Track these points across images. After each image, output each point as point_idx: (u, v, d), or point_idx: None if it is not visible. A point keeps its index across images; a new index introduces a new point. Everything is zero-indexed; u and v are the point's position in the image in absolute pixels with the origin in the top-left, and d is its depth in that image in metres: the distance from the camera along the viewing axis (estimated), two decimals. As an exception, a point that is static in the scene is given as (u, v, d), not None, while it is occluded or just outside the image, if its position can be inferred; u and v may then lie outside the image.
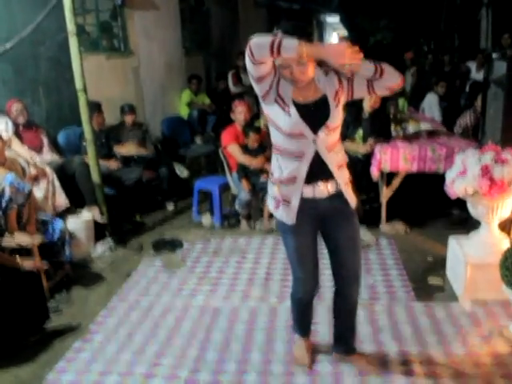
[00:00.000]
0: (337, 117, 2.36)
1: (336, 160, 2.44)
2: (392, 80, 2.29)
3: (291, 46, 2.04)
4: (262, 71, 2.19)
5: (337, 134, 2.44)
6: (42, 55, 5.41)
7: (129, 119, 5.94)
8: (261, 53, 2.08)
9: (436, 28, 15.72)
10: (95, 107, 5.26)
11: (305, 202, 2.45)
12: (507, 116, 3.98)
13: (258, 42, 2.07)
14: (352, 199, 2.53)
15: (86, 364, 3.04)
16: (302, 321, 2.91)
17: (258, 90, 2.30)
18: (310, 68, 2.25)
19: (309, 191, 2.44)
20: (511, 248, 3.06)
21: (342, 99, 2.36)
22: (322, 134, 2.33)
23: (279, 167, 2.45)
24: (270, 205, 2.59)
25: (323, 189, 2.44)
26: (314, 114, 2.33)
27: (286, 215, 2.48)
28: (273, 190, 2.52)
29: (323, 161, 2.40)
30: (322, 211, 2.50)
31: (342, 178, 2.48)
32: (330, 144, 2.39)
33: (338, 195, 2.48)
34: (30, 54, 5.27)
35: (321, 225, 2.58)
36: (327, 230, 2.60)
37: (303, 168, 2.39)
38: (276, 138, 2.42)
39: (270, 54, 2.06)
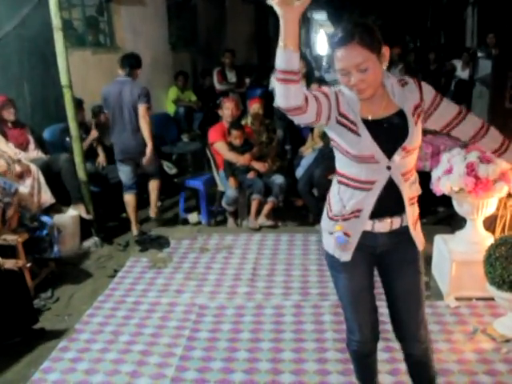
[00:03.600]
0: (416, 136, 1.94)
1: (410, 192, 2.02)
2: (488, 146, 2.12)
3: (279, 55, 1.67)
4: (311, 107, 1.80)
5: (414, 158, 2.00)
6: (27, 50, 5.35)
7: (103, 118, 5.86)
8: (284, 93, 1.72)
9: (422, 26, 15.83)
10: (76, 104, 5.22)
11: (363, 235, 2.04)
12: (492, 115, 4.02)
13: (278, 94, 1.74)
14: (420, 241, 2.10)
15: (72, 363, 3.01)
16: (363, 377, 2.40)
17: (322, 121, 1.91)
18: (374, 75, 1.85)
19: (368, 224, 2.02)
20: (495, 244, 3.09)
21: (421, 117, 1.97)
22: (397, 157, 1.91)
23: (340, 200, 2.03)
24: (325, 242, 2.15)
25: (385, 224, 2.03)
26: (388, 134, 1.92)
27: (341, 250, 2.06)
28: (330, 227, 2.09)
29: (397, 191, 1.97)
30: (379, 248, 2.09)
31: (411, 216, 2.04)
32: (407, 170, 1.98)
33: (402, 232, 2.05)
34: (15, 48, 5.20)
35: (378, 267, 2.18)
36: (384, 276, 2.18)
37: (371, 200, 1.97)
38: (341, 164, 2.02)
39: (285, 78, 1.68)
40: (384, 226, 2.02)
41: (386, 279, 2.16)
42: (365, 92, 1.87)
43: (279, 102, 1.77)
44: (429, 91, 1.95)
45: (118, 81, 4.78)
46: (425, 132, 5.20)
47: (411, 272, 2.11)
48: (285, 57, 1.67)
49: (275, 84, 1.75)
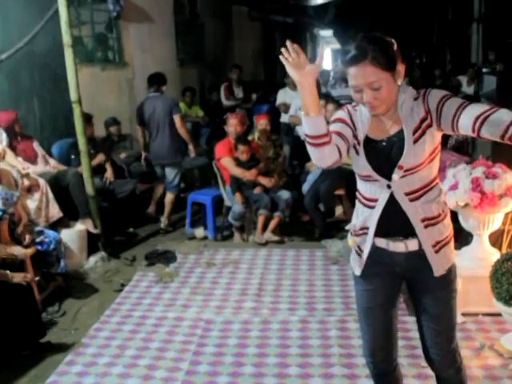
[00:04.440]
0: (416, 155, 1.83)
1: (423, 212, 1.89)
2: (493, 132, 1.66)
3: (304, 123, 1.75)
4: (343, 151, 1.85)
5: (423, 177, 1.87)
6: (37, 66, 5.43)
7: (114, 130, 6.01)
8: (319, 156, 1.79)
9: (428, 42, 15.92)
10: (85, 119, 5.30)
11: (377, 252, 1.98)
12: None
13: (313, 157, 1.80)
14: (439, 266, 1.93)
15: (78, 377, 3.01)
16: None
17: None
18: (388, 93, 1.80)
19: (382, 241, 1.96)
20: (501, 260, 3.09)
21: (431, 132, 1.83)
22: (396, 176, 1.85)
23: (356, 215, 2.04)
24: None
25: (399, 244, 1.94)
26: (385, 152, 1.88)
27: (355, 263, 2.05)
28: (349, 240, 2.11)
29: (401, 211, 1.89)
30: (398, 267, 1.99)
31: (430, 238, 1.90)
32: (413, 190, 1.87)
33: (422, 255, 1.92)
34: (26, 64, 5.28)
35: (407, 287, 2.08)
36: (411, 298, 2.10)
37: (374, 218, 1.93)
38: (357, 180, 2.04)
39: (316, 142, 1.75)
40: (398, 246, 1.93)
41: (413, 302, 2.08)
42: (378, 108, 1.84)
43: (316, 163, 1.84)
44: (435, 97, 1.83)
45: (150, 97, 5.54)
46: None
47: (431, 300, 1.99)
48: (310, 123, 1.73)
49: (307, 148, 1.79)
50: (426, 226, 1.89)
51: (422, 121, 1.83)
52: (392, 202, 1.89)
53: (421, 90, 1.90)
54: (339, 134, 1.86)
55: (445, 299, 2.00)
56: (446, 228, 1.95)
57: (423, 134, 1.83)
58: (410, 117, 1.85)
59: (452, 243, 1.98)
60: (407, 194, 1.88)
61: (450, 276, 1.98)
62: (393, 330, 2.09)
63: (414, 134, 1.83)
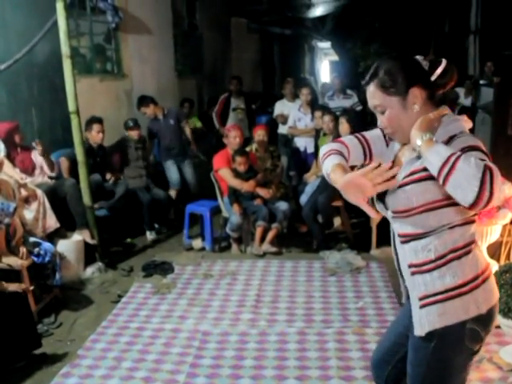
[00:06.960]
0: (400, 200, 1.63)
1: (409, 257, 1.70)
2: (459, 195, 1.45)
3: (325, 169, 1.73)
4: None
5: (418, 224, 1.64)
6: (36, 77, 5.44)
7: (134, 134, 5.79)
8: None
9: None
10: (97, 120, 5.33)
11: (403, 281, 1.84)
12: (495, 141, 4.05)
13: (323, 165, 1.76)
14: (418, 326, 1.68)
15: (74, 389, 2.99)
16: None
17: None
18: (396, 120, 1.65)
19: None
20: (499, 272, 3.08)
21: (428, 184, 1.58)
22: (388, 214, 1.74)
23: None
24: None
25: (406, 277, 1.79)
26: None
27: None
28: None
29: (396, 247, 1.79)
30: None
31: (416, 289, 1.69)
32: (406, 233, 1.69)
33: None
34: (24, 75, 5.29)
35: None
36: None
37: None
38: None
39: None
40: (406, 277, 1.76)
41: None
42: (394, 136, 1.73)
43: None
44: (455, 145, 1.57)
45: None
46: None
47: (411, 354, 1.77)
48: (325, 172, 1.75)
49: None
50: (413, 273, 1.70)
51: (426, 168, 1.55)
52: (394, 237, 1.80)
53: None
54: (365, 141, 1.84)
55: (414, 374, 1.75)
56: (440, 282, 1.64)
57: (414, 182, 1.61)
58: (410, 157, 1.68)
59: (452, 304, 1.63)
60: (399, 236, 1.73)
61: (429, 347, 1.67)
62: (396, 358, 1.91)
63: (405, 177, 1.63)
